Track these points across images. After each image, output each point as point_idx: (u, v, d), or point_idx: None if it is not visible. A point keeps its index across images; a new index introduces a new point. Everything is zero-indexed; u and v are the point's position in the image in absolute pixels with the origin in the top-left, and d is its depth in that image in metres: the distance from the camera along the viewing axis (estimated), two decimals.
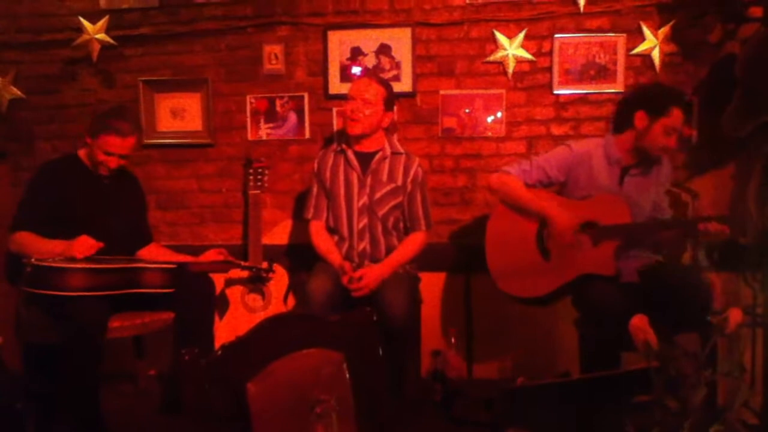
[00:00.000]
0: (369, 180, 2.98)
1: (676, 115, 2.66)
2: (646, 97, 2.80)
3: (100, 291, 2.57)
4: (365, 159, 3.00)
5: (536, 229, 2.82)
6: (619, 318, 2.45)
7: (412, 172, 3.00)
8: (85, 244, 2.62)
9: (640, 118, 2.72)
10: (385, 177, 2.99)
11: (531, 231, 2.83)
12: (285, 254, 3.51)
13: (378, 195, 2.97)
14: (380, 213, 2.97)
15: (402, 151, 3.04)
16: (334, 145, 3.08)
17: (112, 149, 2.79)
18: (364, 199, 2.97)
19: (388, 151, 3.01)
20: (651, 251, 2.84)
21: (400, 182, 2.99)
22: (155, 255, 3.02)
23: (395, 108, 3.10)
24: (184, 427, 1.27)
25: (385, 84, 3.00)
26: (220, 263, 3.01)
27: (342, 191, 3.00)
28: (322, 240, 3.02)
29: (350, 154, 3.00)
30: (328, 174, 3.03)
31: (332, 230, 3.05)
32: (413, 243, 3.01)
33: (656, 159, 2.80)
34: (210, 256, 2.96)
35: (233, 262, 3.09)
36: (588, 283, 2.66)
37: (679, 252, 3.01)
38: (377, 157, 2.99)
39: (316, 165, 3.08)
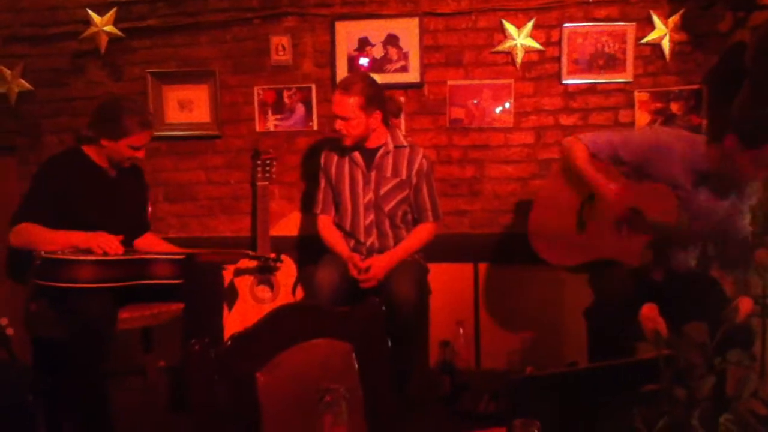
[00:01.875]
0: (373, 176, 2.97)
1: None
2: (742, 123, 2.56)
3: (109, 283, 2.58)
4: (369, 155, 2.99)
5: (582, 200, 2.81)
6: (631, 307, 2.44)
7: (416, 164, 2.97)
8: (112, 242, 2.61)
9: (730, 141, 2.44)
10: (389, 172, 2.98)
11: (577, 201, 2.81)
12: (293, 245, 3.52)
13: (383, 190, 2.97)
14: (387, 208, 2.97)
15: (405, 143, 3.01)
16: (336, 142, 3.07)
17: (141, 143, 2.78)
18: (370, 195, 2.97)
19: (391, 145, 2.99)
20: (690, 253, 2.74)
21: (404, 176, 2.97)
22: (152, 245, 3.01)
23: (402, 98, 3.09)
24: (192, 422, 1.27)
25: (359, 90, 2.84)
26: (229, 253, 3.01)
27: (347, 188, 3.00)
28: (330, 234, 3.02)
29: (354, 151, 3.00)
30: (333, 171, 3.03)
31: (340, 226, 3.05)
32: (421, 234, 3.01)
33: (738, 184, 2.59)
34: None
35: (242, 252, 3.10)
36: (608, 269, 2.64)
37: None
38: (380, 152, 2.98)
39: (322, 161, 3.08)
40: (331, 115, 3.49)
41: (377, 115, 2.92)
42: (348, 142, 2.92)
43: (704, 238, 2.67)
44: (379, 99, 2.92)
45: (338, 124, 2.89)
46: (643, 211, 2.64)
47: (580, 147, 2.73)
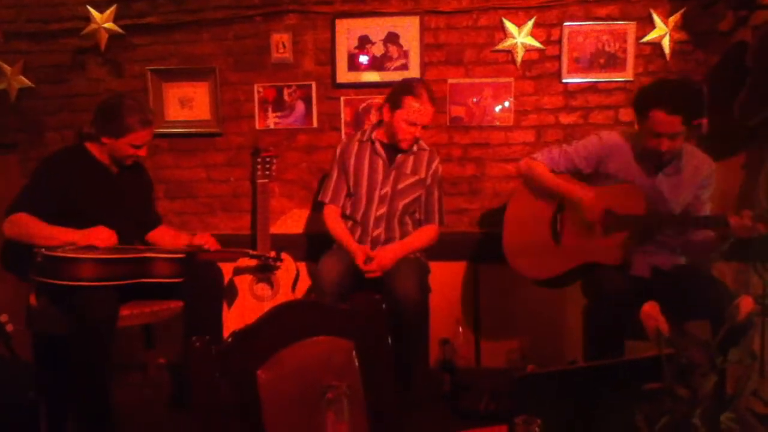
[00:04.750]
0: (394, 171, 3.04)
1: (656, 118, 2.52)
2: (635, 96, 2.74)
3: (110, 281, 2.58)
4: (392, 151, 3.05)
5: (552, 213, 2.86)
6: (625, 306, 2.45)
7: (433, 167, 3.09)
8: (104, 234, 2.63)
9: (635, 117, 2.70)
10: (409, 169, 3.06)
11: (547, 214, 2.86)
12: (293, 243, 3.51)
13: (401, 186, 3.04)
14: (401, 204, 3.03)
15: (426, 147, 3.12)
16: (359, 135, 3.13)
17: (143, 141, 2.79)
18: (387, 188, 3.03)
19: (415, 147, 3.07)
20: (678, 252, 2.79)
21: (423, 175, 3.06)
22: (163, 237, 3.04)
23: None
24: (193, 418, 1.27)
25: (434, 96, 3.01)
26: (229, 251, 3.02)
27: (365, 179, 3.05)
28: (337, 224, 3.06)
29: (378, 145, 3.05)
30: (352, 161, 3.07)
31: (347, 217, 3.08)
32: (427, 233, 3.08)
33: (671, 159, 2.69)
34: (199, 239, 2.96)
35: (242, 251, 3.10)
36: (596, 270, 2.68)
37: (708, 257, 2.95)
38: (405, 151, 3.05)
39: (338, 151, 3.12)
40: (331, 112, 3.51)
41: None
42: (409, 145, 3.02)
43: (678, 223, 2.74)
44: None
45: (414, 132, 2.95)
46: (613, 211, 2.71)
47: (538, 164, 2.86)
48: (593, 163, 2.79)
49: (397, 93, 2.96)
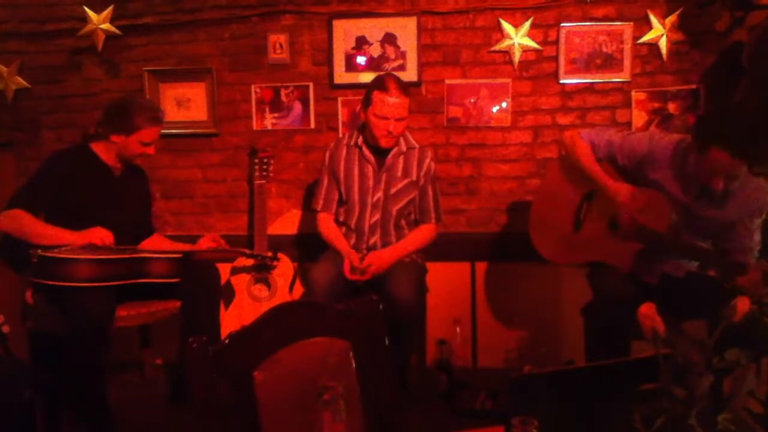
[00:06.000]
0: (384, 175, 2.97)
1: (716, 158, 2.30)
2: (696, 125, 2.54)
3: (107, 282, 2.57)
4: (380, 154, 2.98)
5: (581, 198, 2.80)
6: (628, 306, 2.43)
7: (425, 166, 3.00)
8: (101, 234, 2.63)
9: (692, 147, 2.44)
10: (399, 172, 2.99)
11: (576, 198, 2.81)
12: (290, 244, 3.51)
13: (393, 190, 2.97)
14: (395, 209, 2.97)
15: (416, 145, 3.03)
16: (346, 139, 3.06)
17: (152, 138, 2.80)
18: (379, 194, 2.97)
19: (404, 146, 3.00)
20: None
21: (414, 177, 2.99)
22: (157, 245, 3.02)
23: None
24: (190, 417, 1.27)
25: (407, 88, 2.92)
26: (226, 251, 3.01)
27: (356, 186, 2.99)
28: (331, 231, 3.01)
29: (366, 149, 2.98)
30: (342, 167, 3.01)
31: (341, 223, 3.04)
32: (423, 234, 3.03)
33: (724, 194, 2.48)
34: (206, 242, 2.95)
35: (239, 251, 3.10)
36: (602, 267, 2.65)
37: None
38: (393, 152, 2.97)
39: (327, 157, 3.05)
40: (328, 112, 3.51)
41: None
42: (390, 143, 2.92)
43: (695, 252, 2.60)
44: None
45: (392, 126, 2.85)
46: (637, 217, 2.58)
47: (583, 144, 2.72)
48: (634, 163, 2.63)
49: (367, 91, 2.90)
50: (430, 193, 3.03)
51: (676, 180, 2.54)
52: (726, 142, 2.27)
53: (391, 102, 2.82)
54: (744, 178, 2.48)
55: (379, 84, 2.87)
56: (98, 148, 2.85)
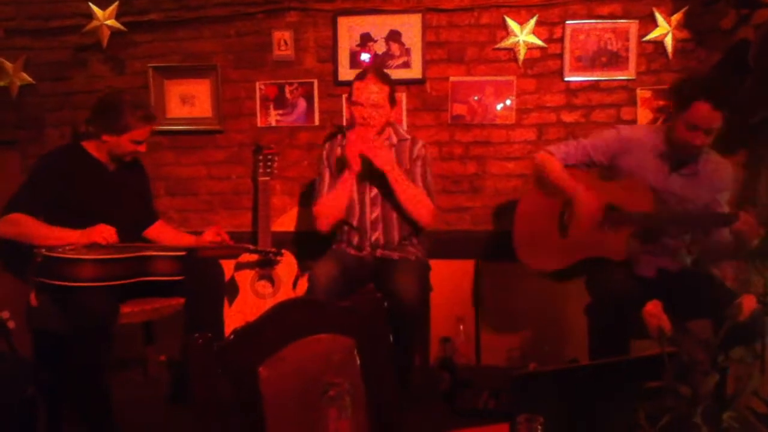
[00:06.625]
0: (378, 170, 2.95)
1: (698, 110, 2.47)
2: (674, 89, 2.70)
3: (111, 281, 2.56)
4: None
5: (561, 206, 2.84)
6: (628, 305, 2.44)
7: (416, 152, 2.96)
8: (105, 232, 2.62)
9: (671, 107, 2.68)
10: None
11: (556, 208, 2.85)
12: (294, 241, 3.52)
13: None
14: (393, 202, 2.94)
15: (407, 136, 3.00)
16: (339, 137, 3.04)
17: (143, 137, 2.77)
18: (376, 189, 2.95)
19: (395, 139, 2.97)
20: (685, 255, 2.78)
21: (408, 167, 2.95)
22: (162, 233, 3.01)
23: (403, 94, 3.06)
24: (191, 416, 1.27)
25: (387, 78, 2.89)
26: (230, 247, 3.00)
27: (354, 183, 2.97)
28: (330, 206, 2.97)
29: None
30: (338, 165, 2.99)
31: (344, 223, 3.00)
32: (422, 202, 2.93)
33: (692, 158, 2.65)
34: (209, 235, 2.94)
35: (242, 246, 3.09)
36: (601, 268, 2.66)
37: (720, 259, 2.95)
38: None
39: (324, 154, 3.03)
40: (333, 109, 3.51)
41: (395, 111, 2.96)
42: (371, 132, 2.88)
43: (685, 224, 2.72)
44: (395, 93, 2.94)
45: (366, 112, 2.82)
46: (620, 207, 2.69)
47: (552, 160, 2.81)
48: (608, 156, 2.75)
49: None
50: (418, 172, 2.95)
51: (649, 162, 2.67)
52: (707, 94, 2.45)
53: (364, 87, 2.81)
54: (707, 156, 2.67)
55: (359, 75, 2.88)
56: (90, 146, 2.81)
